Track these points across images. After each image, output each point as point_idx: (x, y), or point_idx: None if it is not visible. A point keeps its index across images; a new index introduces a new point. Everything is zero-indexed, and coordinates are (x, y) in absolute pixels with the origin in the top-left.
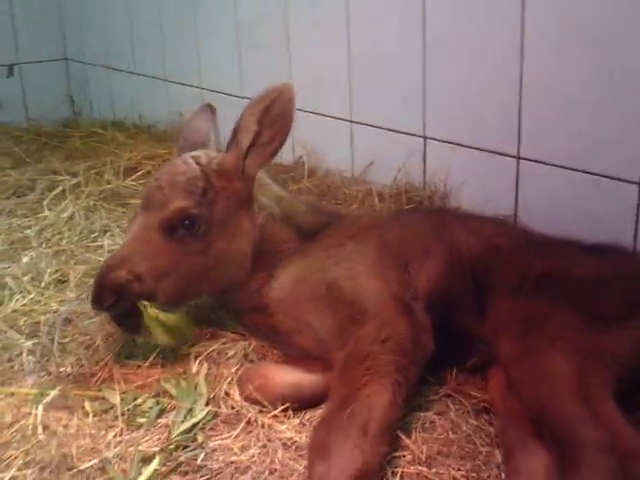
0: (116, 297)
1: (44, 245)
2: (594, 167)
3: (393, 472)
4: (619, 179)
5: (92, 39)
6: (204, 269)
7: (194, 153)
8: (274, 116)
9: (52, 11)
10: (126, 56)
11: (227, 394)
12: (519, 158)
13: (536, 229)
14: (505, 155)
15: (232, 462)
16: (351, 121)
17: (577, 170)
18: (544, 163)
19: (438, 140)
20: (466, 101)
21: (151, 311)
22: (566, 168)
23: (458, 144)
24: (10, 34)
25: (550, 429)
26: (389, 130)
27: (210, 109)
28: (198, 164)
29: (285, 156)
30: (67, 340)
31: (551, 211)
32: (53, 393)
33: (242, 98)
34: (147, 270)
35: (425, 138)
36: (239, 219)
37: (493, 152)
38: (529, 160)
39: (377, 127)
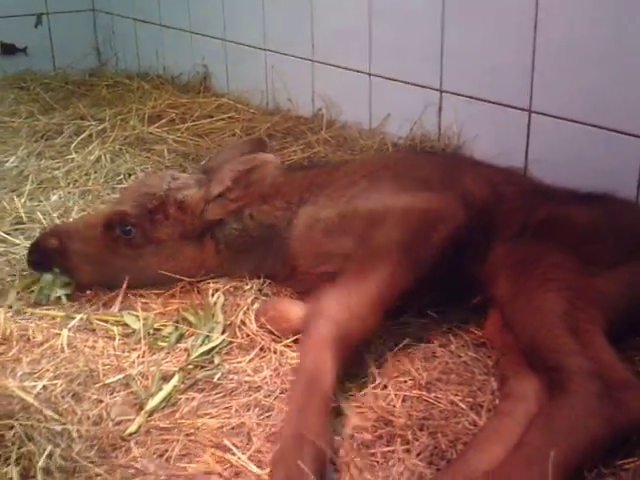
0: (40, 257)
1: (72, 185)
2: (602, 121)
3: (396, 395)
4: (626, 133)
5: None
6: (127, 272)
7: (181, 175)
8: (249, 181)
9: None
10: (152, 8)
11: (243, 323)
12: (531, 111)
13: (545, 181)
14: (517, 108)
15: (246, 382)
16: (370, 74)
17: (586, 124)
18: (555, 117)
19: (454, 93)
20: (482, 55)
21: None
22: (575, 122)
23: (473, 97)
24: None
25: (540, 359)
26: (407, 83)
27: (260, 143)
28: (168, 187)
29: (305, 108)
30: None
31: (560, 164)
32: (79, 317)
33: (265, 50)
34: (75, 250)
35: (441, 91)
36: (181, 247)
37: (506, 105)
38: (540, 114)
39: (395, 80)
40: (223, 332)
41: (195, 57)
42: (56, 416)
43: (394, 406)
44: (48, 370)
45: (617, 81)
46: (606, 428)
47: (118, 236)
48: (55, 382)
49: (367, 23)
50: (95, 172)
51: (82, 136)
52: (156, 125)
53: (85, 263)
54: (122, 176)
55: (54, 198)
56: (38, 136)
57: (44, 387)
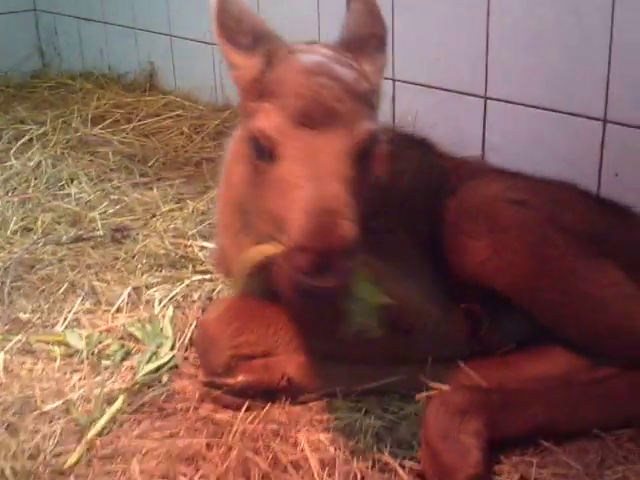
0: (348, 261)
1: (10, 194)
2: (560, 105)
3: None
4: (584, 116)
5: None
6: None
7: (340, 52)
8: None
9: None
10: (95, 5)
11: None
12: (486, 98)
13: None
14: (472, 95)
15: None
16: None
17: (543, 108)
18: (511, 102)
19: (406, 82)
20: (434, 42)
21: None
22: (532, 107)
23: (426, 85)
24: None
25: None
26: None
27: None
28: (359, 72)
29: None
30: (28, 286)
31: (518, 150)
32: (16, 339)
33: (212, 45)
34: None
35: (394, 80)
36: None
37: (460, 93)
38: (496, 100)
39: None
40: (172, 348)
41: (141, 54)
42: None
43: None
44: None
45: (576, 61)
46: None
47: (364, 163)
48: None
49: (316, 14)
50: (35, 179)
51: (22, 141)
52: (100, 126)
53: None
54: (64, 181)
55: None
56: None
57: None
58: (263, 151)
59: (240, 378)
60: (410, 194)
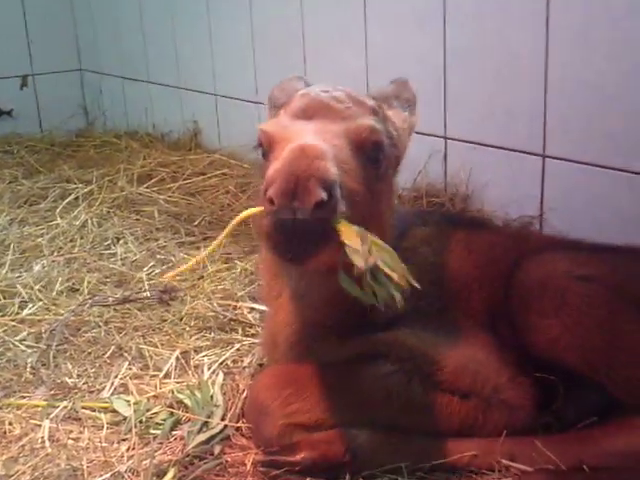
0: (326, 196)
1: (56, 253)
2: (624, 163)
3: None
4: None
5: (106, 49)
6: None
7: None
8: None
9: (66, 21)
10: (140, 65)
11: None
12: (544, 156)
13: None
14: (530, 154)
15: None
16: None
17: (604, 167)
18: (571, 161)
19: (459, 140)
20: (487, 100)
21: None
22: (592, 165)
23: (480, 144)
24: (24, 45)
25: None
26: None
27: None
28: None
29: None
30: (74, 349)
31: (578, 210)
32: (62, 405)
33: (257, 104)
34: (342, 184)
35: (446, 139)
36: (390, 184)
37: (516, 151)
38: (555, 158)
39: None
40: (223, 417)
41: (185, 113)
42: None
43: None
44: (25, 472)
45: (635, 121)
46: None
47: (365, 163)
48: None
49: (364, 72)
50: (81, 238)
51: (67, 200)
52: (145, 185)
53: (348, 208)
54: (110, 241)
55: (37, 268)
56: (21, 201)
57: None
58: (265, 153)
59: (303, 455)
60: (459, 272)
